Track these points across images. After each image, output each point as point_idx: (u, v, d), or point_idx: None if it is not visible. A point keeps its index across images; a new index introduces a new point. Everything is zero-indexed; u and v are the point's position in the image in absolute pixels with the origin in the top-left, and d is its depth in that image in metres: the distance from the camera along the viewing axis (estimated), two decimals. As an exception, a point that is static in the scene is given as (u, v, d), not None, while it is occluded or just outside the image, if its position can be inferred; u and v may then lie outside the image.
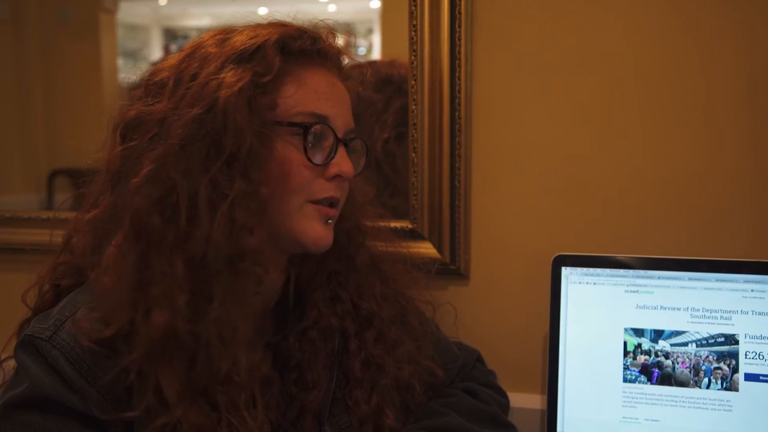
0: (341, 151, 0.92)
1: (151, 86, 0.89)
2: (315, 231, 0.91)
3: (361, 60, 1.44)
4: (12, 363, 0.91)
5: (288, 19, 0.95)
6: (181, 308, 0.80)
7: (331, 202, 0.93)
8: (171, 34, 1.80)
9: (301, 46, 0.91)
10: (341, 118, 0.93)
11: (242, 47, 0.87)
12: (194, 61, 0.87)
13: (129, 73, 1.65)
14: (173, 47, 1.76)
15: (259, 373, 0.87)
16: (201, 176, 0.82)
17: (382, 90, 1.32)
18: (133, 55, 1.77)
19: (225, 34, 0.90)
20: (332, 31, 0.97)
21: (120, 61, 1.71)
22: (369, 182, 1.11)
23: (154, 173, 0.82)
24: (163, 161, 0.82)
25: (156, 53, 1.77)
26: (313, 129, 0.89)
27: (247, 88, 0.84)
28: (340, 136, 0.92)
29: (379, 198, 1.15)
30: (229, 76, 0.84)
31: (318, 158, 0.90)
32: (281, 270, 0.96)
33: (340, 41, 0.98)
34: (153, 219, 0.81)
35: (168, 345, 0.80)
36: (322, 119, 0.90)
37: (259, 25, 0.92)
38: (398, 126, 1.31)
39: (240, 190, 0.83)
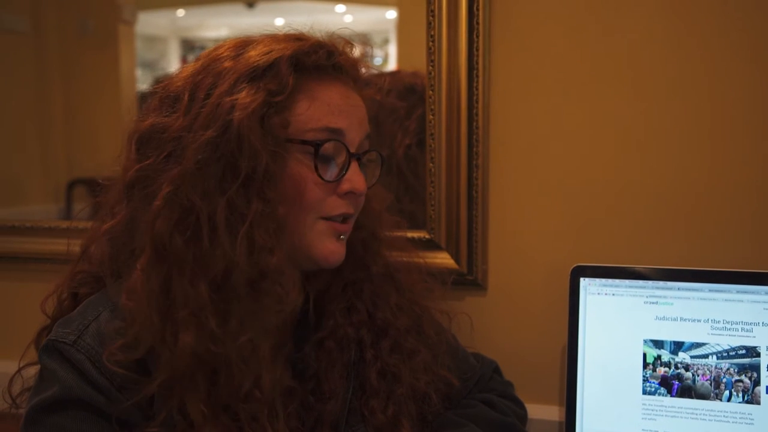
0: (354, 166, 0.92)
1: (166, 98, 0.89)
2: (327, 247, 0.91)
3: (377, 70, 1.44)
4: (31, 371, 0.92)
5: (305, 30, 0.94)
6: (208, 330, 0.81)
7: (344, 218, 0.92)
8: (188, 45, 1.81)
9: (316, 61, 0.90)
10: (355, 131, 0.92)
11: (255, 63, 0.85)
12: (209, 75, 0.86)
13: (146, 83, 1.68)
14: (190, 58, 1.77)
15: (281, 385, 0.87)
16: (218, 198, 0.82)
17: (406, 98, 1.33)
18: (151, 66, 1.79)
19: (240, 47, 0.89)
20: (349, 42, 0.96)
21: (138, 72, 1.72)
22: (389, 188, 1.10)
23: (173, 195, 0.82)
24: (180, 182, 0.82)
25: (174, 64, 1.79)
26: (323, 147, 0.88)
27: (260, 108, 0.83)
28: (353, 150, 0.91)
29: (398, 204, 1.14)
30: (242, 96, 0.83)
31: (330, 175, 0.89)
32: (300, 287, 0.95)
33: (357, 52, 0.97)
34: (175, 241, 0.81)
35: (193, 366, 0.81)
36: (337, 133, 0.89)
37: (274, 39, 0.91)
38: (420, 133, 1.32)
39: (257, 211, 0.83)
